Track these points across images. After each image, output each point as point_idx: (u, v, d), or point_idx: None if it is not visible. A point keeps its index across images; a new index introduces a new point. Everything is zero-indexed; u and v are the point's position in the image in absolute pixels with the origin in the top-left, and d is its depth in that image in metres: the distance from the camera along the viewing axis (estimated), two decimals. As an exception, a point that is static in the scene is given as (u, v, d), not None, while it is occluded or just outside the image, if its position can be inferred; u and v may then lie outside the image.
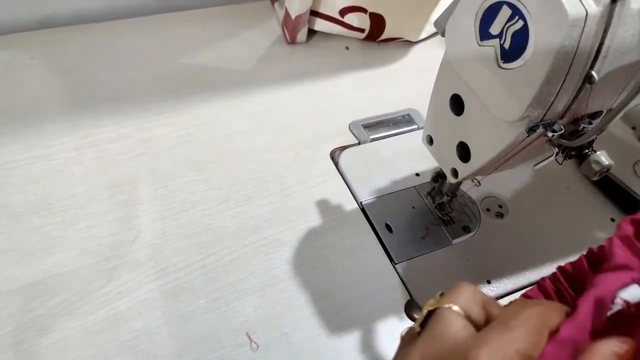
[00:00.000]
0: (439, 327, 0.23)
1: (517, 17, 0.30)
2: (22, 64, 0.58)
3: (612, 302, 0.22)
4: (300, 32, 0.66)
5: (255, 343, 0.41)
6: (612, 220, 0.54)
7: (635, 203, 0.54)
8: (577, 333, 0.21)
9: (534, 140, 0.35)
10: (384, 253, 0.48)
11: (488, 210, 0.53)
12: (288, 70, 0.65)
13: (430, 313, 0.24)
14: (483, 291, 0.27)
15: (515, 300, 0.25)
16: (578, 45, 0.28)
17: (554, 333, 0.21)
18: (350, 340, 0.42)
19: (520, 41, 0.30)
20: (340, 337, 0.42)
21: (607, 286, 0.22)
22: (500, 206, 0.53)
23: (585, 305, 0.22)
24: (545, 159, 0.38)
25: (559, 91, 0.30)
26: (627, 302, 0.22)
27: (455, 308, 0.24)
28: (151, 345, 0.40)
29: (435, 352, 0.23)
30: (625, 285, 0.23)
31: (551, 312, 0.23)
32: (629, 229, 0.24)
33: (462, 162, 0.40)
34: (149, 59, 0.62)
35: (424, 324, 0.24)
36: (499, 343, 0.21)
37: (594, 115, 0.33)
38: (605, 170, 0.36)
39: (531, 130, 0.32)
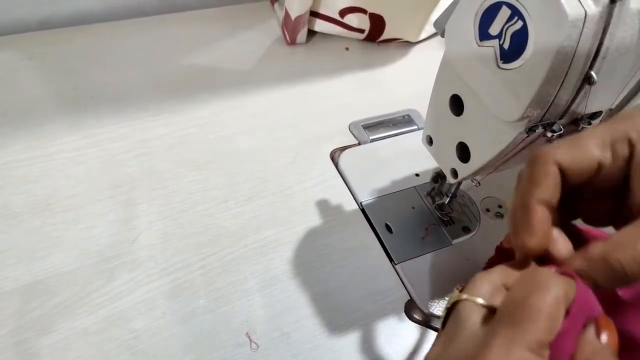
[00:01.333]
0: (454, 324, 0.22)
1: (516, 18, 0.30)
2: (21, 65, 0.58)
3: None
4: (300, 32, 0.66)
5: (255, 343, 0.41)
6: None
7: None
8: (583, 304, 0.20)
9: (534, 141, 0.35)
10: (384, 253, 0.48)
11: (488, 210, 0.53)
12: (288, 71, 0.65)
13: (451, 310, 0.23)
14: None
15: (522, 276, 0.22)
16: (577, 46, 0.28)
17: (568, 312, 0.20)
18: (350, 340, 0.42)
19: (519, 41, 0.30)
20: (340, 337, 0.42)
21: None
22: (500, 206, 0.53)
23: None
24: (545, 159, 0.38)
25: (558, 91, 0.30)
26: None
27: (478, 300, 0.22)
28: (151, 345, 0.40)
29: (450, 355, 0.21)
30: None
31: (563, 292, 0.20)
32: None
33: (461, 163, 0.40)
34: (149, 59, 0.62)
35: (445, 323, 0.23)
36: (507, 344, 0.19)
37: (594, 116, 0.33)
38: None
39: (531, 130, 0.32)
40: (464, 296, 0.22)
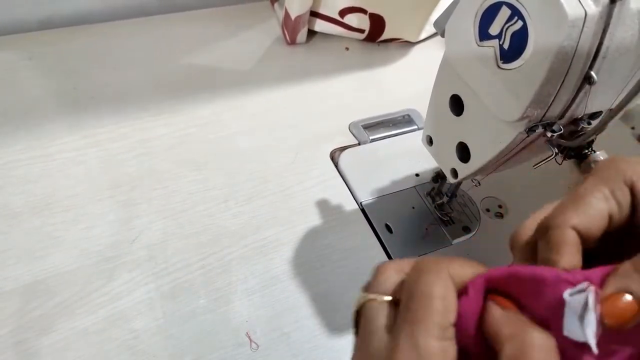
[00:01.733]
0: (364, 329, 0.21)
1: (516, 18, 0.30)
2: (21, 65, 0.58)
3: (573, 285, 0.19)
4: (300, 32, 0.66)
5: (255, 343, 0.41)
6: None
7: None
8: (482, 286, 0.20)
9: (534, 141, 0.35)
10: (384, 253, 0.48)
11: (488, 210, 0.53)
12: (288, 71, 0.65)
13: (359, 312, 0.22)
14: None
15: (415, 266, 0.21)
16: (577, 46, 0.28)
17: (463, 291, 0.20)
18: (350, 340, 0.42)
19: (519, 41, 0.30)
20: (340, 337, 0.42)
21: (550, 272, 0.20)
22: (500, 206, 0.53)
23: (503, 270, 0.20)
24: (545, 159, 0.38)
25: (558, 91, 0.30)
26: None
27: (385, 298, 0.21)
28: (151, 345, 0.40)
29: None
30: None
31: (445, 271, 0.20)
32: None
33: (461, 163, 0.40)
34: (149, 59, 0.62)
35: (357, 324, 0.23)
36: (411, 340, 0.19)
37: (594, 116, 0.34)
38: (604, 170, 0.36)
39: (531, 130, 0.32)
40: (371, 296, 0.22)
